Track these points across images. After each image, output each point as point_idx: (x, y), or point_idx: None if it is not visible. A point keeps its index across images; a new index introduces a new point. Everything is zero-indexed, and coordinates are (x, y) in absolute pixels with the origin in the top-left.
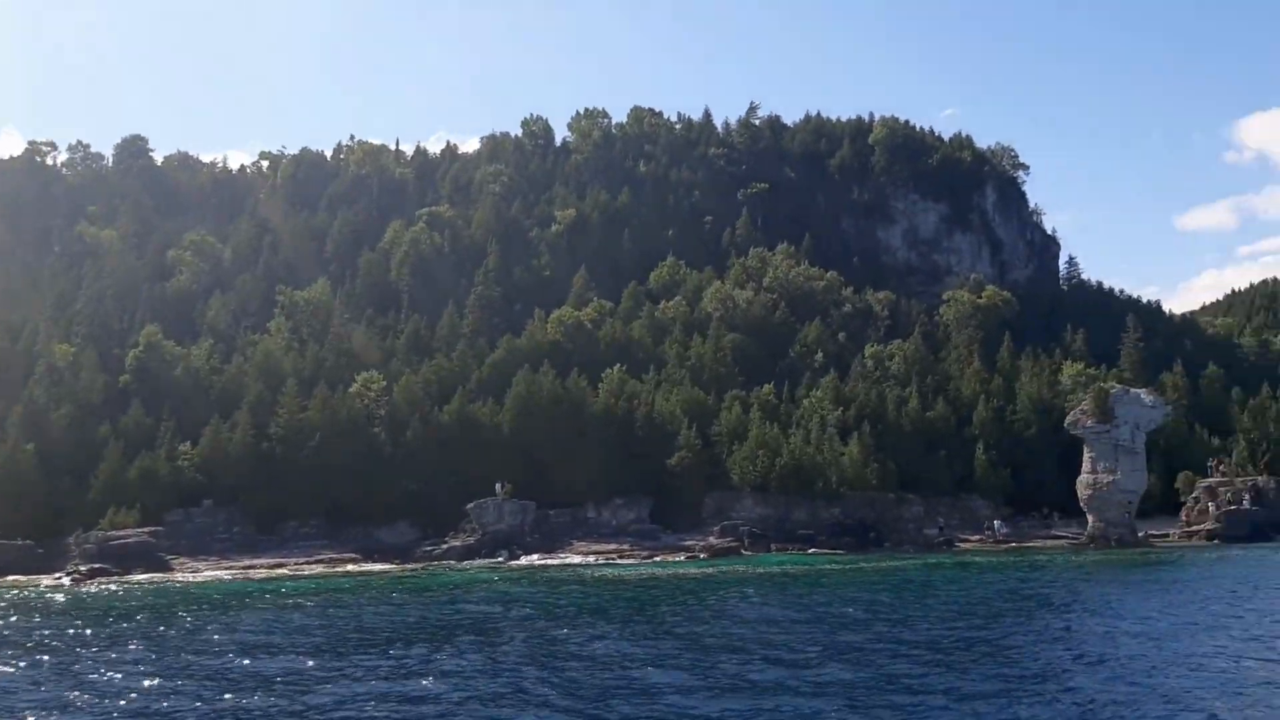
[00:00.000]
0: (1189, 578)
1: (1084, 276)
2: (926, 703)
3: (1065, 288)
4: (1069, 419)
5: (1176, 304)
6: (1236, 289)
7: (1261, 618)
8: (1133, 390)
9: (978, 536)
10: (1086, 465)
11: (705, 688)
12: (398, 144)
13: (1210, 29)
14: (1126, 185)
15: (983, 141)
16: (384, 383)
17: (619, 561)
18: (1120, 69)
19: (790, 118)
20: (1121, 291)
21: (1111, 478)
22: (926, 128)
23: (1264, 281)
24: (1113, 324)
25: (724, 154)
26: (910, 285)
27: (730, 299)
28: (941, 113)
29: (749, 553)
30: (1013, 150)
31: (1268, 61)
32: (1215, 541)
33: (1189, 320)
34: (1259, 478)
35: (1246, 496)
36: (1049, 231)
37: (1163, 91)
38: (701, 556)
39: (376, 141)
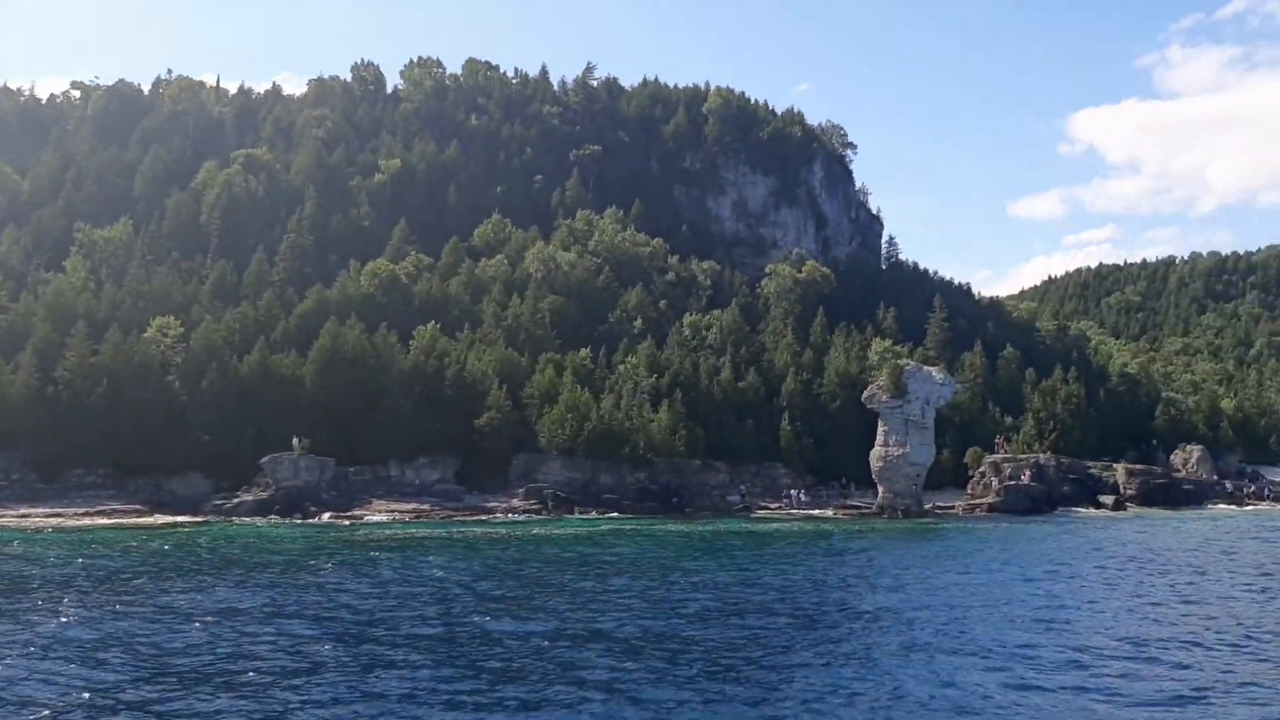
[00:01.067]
0: (942, 543)
1: (902, 257)
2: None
3: (884, 266)
4: (866, 393)
5: (1005, 289)
6: (1053, 276)
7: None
8: (925, 368)
9: (777, 504)
10: (880, 438)
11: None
12: (219, 81)
13: (1049, 28)
14: (966, 172)
15: (818, 118)
16: (182, 329)
17: (412, 521)
18: (968, 61)
19: (628, 81)
20: (935, 273)
21: (901, 451)
22: (761, 100)
23: (1078, 270)
24: (926, 304)
25: (558, 113)
26: (736, 256)
27: (553, 260)
28: (795, 88)
29: (551, 515)
30: (842, 129)
31: (1098, 60)
32: (993, 513)
33: (995, 303)
34: (1042, 455)
35: (1027, 472)
36: (874, 211)
37: (1004, 83)
38: (502, 518)
39: (197, 77)
